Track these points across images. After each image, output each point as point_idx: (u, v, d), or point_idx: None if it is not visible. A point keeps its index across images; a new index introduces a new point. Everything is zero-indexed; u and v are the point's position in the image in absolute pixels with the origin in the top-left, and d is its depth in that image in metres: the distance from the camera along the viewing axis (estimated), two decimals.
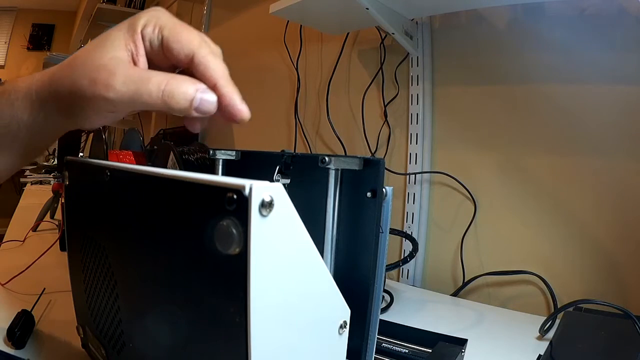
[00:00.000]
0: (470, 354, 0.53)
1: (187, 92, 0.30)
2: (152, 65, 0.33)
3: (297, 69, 1.24)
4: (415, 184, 0.93)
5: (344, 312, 0.32)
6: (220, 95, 0.31)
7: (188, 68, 0.32)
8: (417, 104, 0.93)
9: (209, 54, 0.32)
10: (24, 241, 1.07)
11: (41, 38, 4.18)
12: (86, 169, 0.42)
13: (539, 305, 0.76)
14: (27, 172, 2.94)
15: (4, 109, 0.33)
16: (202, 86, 0.31)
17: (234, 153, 0.47)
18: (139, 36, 0.32)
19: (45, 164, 3.50)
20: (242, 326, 0.23)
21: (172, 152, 0.67)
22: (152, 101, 0.29)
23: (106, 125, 0.34)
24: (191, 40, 0.32)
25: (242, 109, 0.31)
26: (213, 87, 0.31)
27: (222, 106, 0.31)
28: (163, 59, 0.33)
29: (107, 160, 0.73)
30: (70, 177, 0.46)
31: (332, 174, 0.37)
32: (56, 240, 0.92)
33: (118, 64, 0.30)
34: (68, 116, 0.32)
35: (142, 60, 0.32)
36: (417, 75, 0.93)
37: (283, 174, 0.42)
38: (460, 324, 0.68)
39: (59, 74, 0.32)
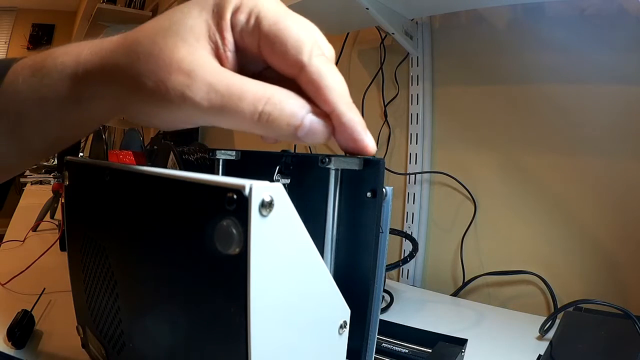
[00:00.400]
0: (470, 354, 0.53)
1: (293, 116, 0.22)
2: (240, 59, 0.25)
3: None
4: (415, 184, 0.93)
5: (344, 312, 0.32)
6: (338, 125, 0.24)
7: (293, 77, 0.24)
8: (417, 104, 0.93)
9: (323, 64, 0.24)
10: (24, 241, 1.07)
11: (41, 38, 4.18)
12: (86, 169, 0.42)
13: (539, 305, 0.76)
14: (27, 172, 2.94)
15: (42, 90, 0.26)
16: (311, 109, 0.23)
17: (234, 153, 0.47)
18: (228, 23, 0.23)
19: (45, 164, 3.50)
20: (242, 326, 0.23)
21: (172, 152, 0.67)
22: (243, 122, 0.22)
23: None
24: (301, 44, 0.23)
25: (367, 143, 0.25)
26: (329, 113, 0.24)
27: (341, 136, 0.25)
28: (257, 56, 0.24)
29: (107, 160, 0.73)
30: (70, 177, 0.46)
31: (332, 174, 0.37)
32: (56, 240, 0.92)
33: (198, 63, 0.22)
34: (120, 111, 0.26)
35: (230, 58, 0.24)
36: (417, 75, 0.93)
37: (283, 174, 0.42)
38: (460, 324, 0.68)
39: (114, 60, 0.24)
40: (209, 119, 0.23)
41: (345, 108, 0.24)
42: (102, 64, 0.24)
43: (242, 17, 0.23)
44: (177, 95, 0.21)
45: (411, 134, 0.94)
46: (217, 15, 0.23)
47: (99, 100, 0.26)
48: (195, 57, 0.22)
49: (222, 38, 0.23)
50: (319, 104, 0.24)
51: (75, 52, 0.26)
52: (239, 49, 0.24)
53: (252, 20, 0.23)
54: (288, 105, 0.23)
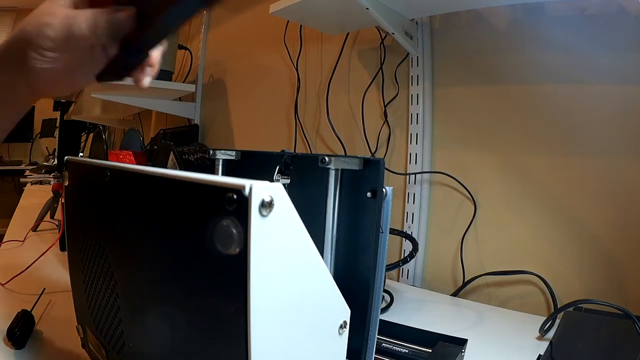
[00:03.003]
0: (470, 354, 0.53)
1: (106, 16, 0.33)
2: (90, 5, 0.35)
3: (297, 69, 1.24)
4: (415, 184, 0.93)
5: (344, 312, 0.32)
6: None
7: None
8: (417, 104, 0.93)
9: None
10: (24, 241, 1.07)
11: None
12: (86, 169, 0.42)
13: (539, 305, 0.76)
14: (27, 172, 2.94)
15: None
16: (120, 7, 0.33)
17: (234, 153, 0.47)
18: None
19: (45, 164, 3.51)
20: (242, 326, 0.23)
21: (172, 152, 0.67)
22: (83, 33, 0.33)
23: (55, 75, 0.36)
24: None
25: None
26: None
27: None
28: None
29: (107, 160, 0.73)
30: (70, 177, 0.46)
31: (332, 174, 0.37)
32: (56, 240, 0.93)
33: (59, 7, 0.34)
34: (20, 64, 0.35)
35: (84, 7, 0.35)
36: (417, 75, 0.93)
37: (283, 174, 0.42)
38: (460, 324, 0.68)
39: (14, 30, 0.35)
40: (66, 38, 0.33)
41: None
42: (7, 37, 0.35)
43: None
44: (44, 25, 0.33)
45: (411, 134, 0.94)
46: None
47: (7, 69, 0.35)
48: (57, 7, 0.34)
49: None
50: None
51: None
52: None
53: None
54: (105, 11, 0.33)
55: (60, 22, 0.33)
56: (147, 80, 0.39)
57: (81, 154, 2.38)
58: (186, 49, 1.71)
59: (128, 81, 0.39)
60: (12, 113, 0.40)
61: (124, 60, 0.37)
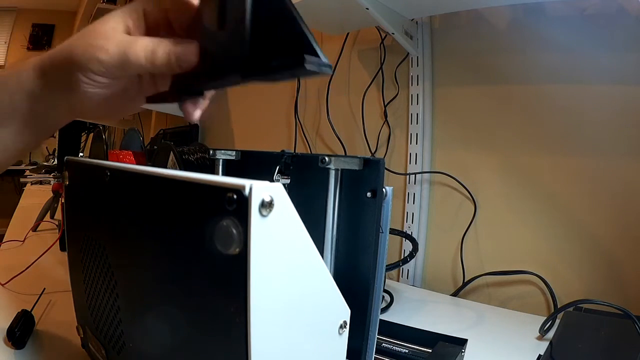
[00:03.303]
0: (470, 354, 0.53)
1: (167, 47, 0.31)
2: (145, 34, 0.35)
3: None
4: (415, 184, 0.93)
5: (344, 312, 0.32)
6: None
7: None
8: (417, 104, 0.93)
9: None
10: (24, 241, 1.07)
11: (41, 38, 4.17)
12: (86, 169, 0.42)
13: (539, 305, 0.76)
14: (27, 172, 2.94)
15: (12, 80, 0.34)
16: (182, 40, 0.32)
17: (234, 153, 0.47)
18: (140, 14, 0.34)
19: (45, 164, 3.51)
20: (242, 326, 0.23)
21: (172, 152, 0.67)
22: (139, 61, 0.31)
23: (100, 100, 0.34)
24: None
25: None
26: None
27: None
28: (158, 27, 0.35)
29: (107, 160, 0.73)
30: (70, 177, 0.46)
31: (332, 174, 0.37)
32: (56, 240, 0.93)
33: (113, 32, 0.32)
34: (66, 85, 0.33)
35: (138, 34, 0.34)
36: (417, 75, 0.93)
37: (283, 174, 0.42)
38: (460, 324, 0.68)
39: (60, 46, 0.33)
40: (120, 65, 0.31)
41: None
42: (53, 51, 0.33)
43: (150, 6, 0.34)
44: (97, 49, 0.31)
45: (411, 134, 0.94)
46: (131, 8, 0.33)
47: (50, 84, 0.33)
48: (112, 30, 0.32)
49: (132, 22, 0.33)
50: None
51: (42, 54, 0.34)
52: (148, 28, 0.34)
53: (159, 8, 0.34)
54: (165, 41, 0.32)
55: (115, 47, 0.31)
56: (198, 114, 0.36)
57: (81, 154, 2.38)
58: None
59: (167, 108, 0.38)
60: (43, 133, 0.38)
61: (177, 96, 0.34)
